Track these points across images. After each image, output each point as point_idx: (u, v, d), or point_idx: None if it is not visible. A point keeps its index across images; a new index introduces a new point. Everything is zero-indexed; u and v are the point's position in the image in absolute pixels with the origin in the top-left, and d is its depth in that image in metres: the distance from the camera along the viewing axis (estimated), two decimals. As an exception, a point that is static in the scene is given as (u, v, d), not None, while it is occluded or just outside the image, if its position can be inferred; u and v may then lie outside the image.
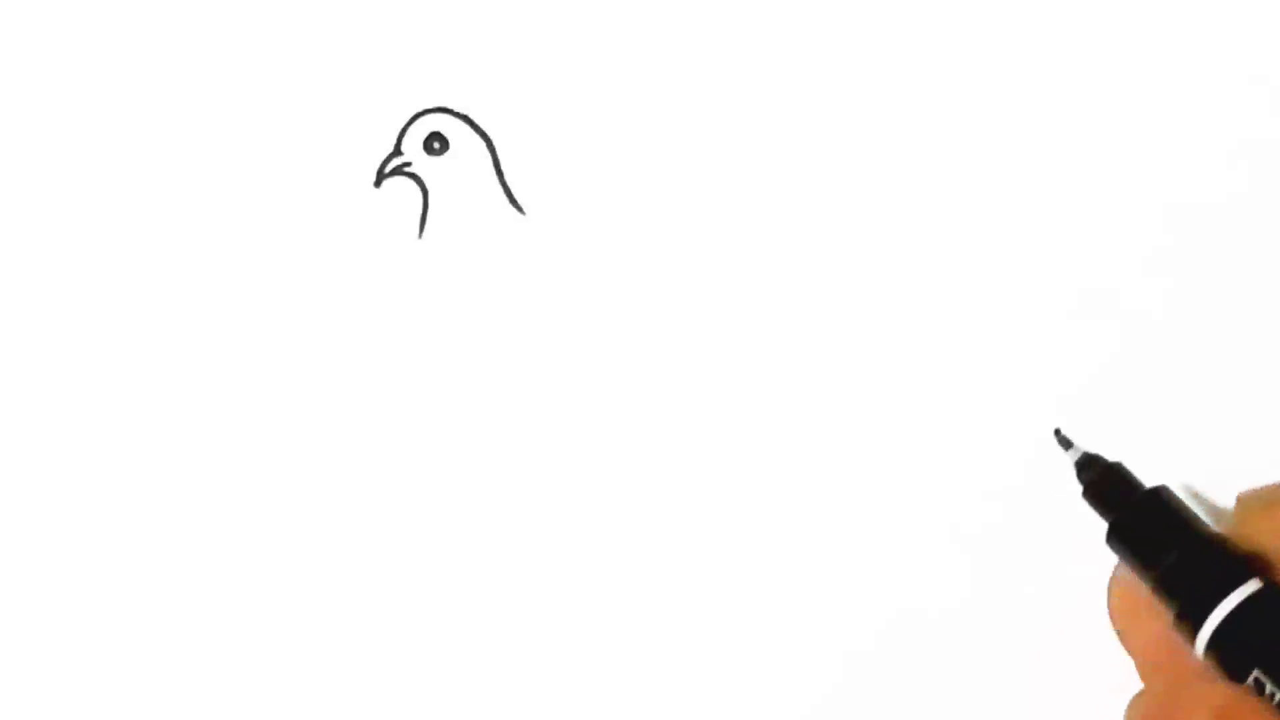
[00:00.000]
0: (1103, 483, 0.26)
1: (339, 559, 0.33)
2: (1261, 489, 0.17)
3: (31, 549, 0.33)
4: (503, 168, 0.34)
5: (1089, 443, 0.27)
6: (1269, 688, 0.21)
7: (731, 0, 0.34)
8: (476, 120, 0.34)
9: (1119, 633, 0.21)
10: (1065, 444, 0.27)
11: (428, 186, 0.34)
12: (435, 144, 0.34)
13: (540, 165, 0.34)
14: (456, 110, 0.34)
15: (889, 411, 0.33)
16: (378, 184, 0.34)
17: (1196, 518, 0.25)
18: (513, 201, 0.34)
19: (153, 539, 0.32)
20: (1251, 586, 0.22)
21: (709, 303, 0.33)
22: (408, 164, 0.34)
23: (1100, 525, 0.26)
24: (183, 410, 0.33)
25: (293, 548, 0.33)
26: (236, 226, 0.33)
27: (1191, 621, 0.23)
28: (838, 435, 0.33)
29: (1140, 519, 0.25)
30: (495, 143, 0.34)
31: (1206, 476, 0.29)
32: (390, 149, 0.34)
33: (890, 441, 0.32)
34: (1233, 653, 0.22)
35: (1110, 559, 0.26)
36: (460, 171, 0.34)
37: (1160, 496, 0.25)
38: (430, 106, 0.34)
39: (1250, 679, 0.22)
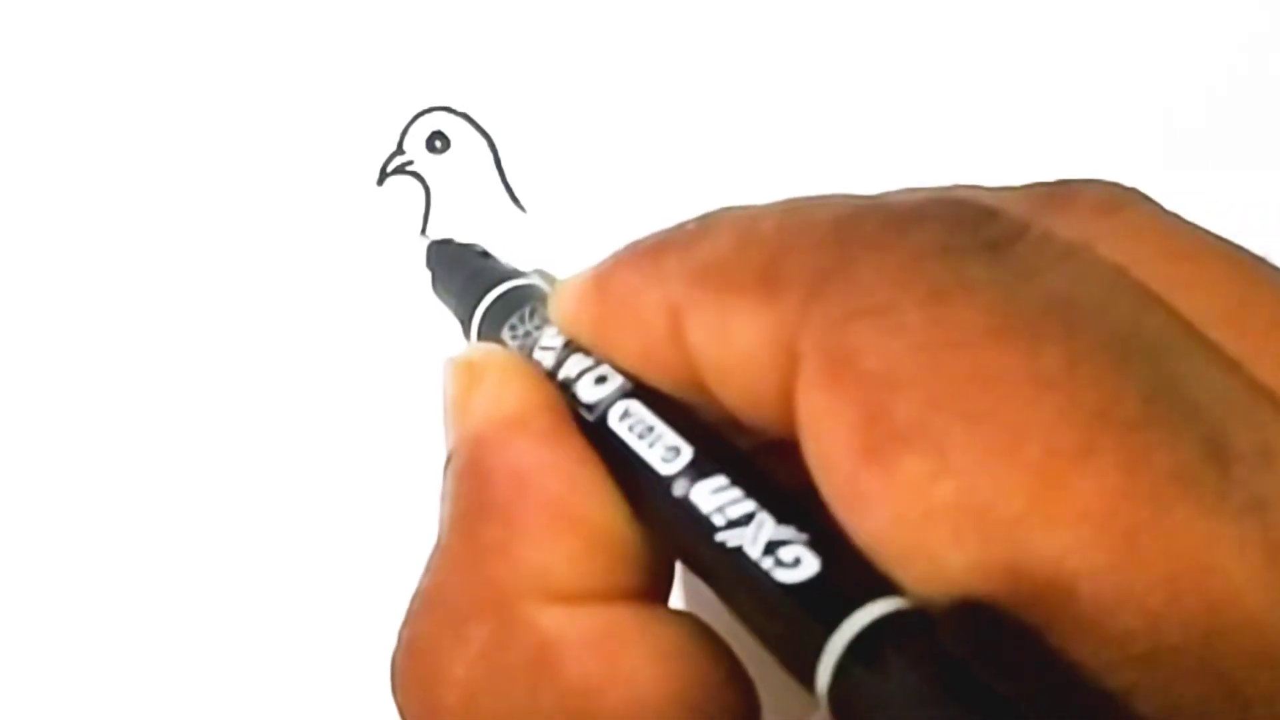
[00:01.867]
0: (437, 249, 0.30)
1: (340, 555, 0.33)
2: (567, 280, 0.18)
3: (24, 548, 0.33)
4: (504, 166, 0.34)
5: None
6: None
7: (731, 0, 0.34)
8: (477, 119, 0.34)
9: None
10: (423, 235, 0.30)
11: (430, 184, 0.34)
12: (437, 142, 0.34)
13: (541, 163, 0.34)
14: (457, 109, 0.34)
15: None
16: (380, 182, 0.34)
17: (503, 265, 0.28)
18: (514, 199, 0.34)
19: (152, 537, 0.33)
20: (524, 281, 0.25)
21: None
22: (410, 162, 0.34)
23: None
24: (184, 409, 0.34)
25: (293, 544, 0.33)
26: (240, 226, 0.34)
27: (471, 306, 0.25)
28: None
29: (455, 267, 0.29)
30: (496, 141, 0.34)
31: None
32: (393, 148, 0.34)
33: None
34: (492, 324, 0.24)
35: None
36: (462, 170, 0.34)
37: (474, 249, 0.29)
38: (432, 105, 0.34)
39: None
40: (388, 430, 0.33)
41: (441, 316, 0.34)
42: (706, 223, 0.17)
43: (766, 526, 0.15)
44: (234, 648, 0.33)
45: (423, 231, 0.34)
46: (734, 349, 0.16)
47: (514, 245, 0.34)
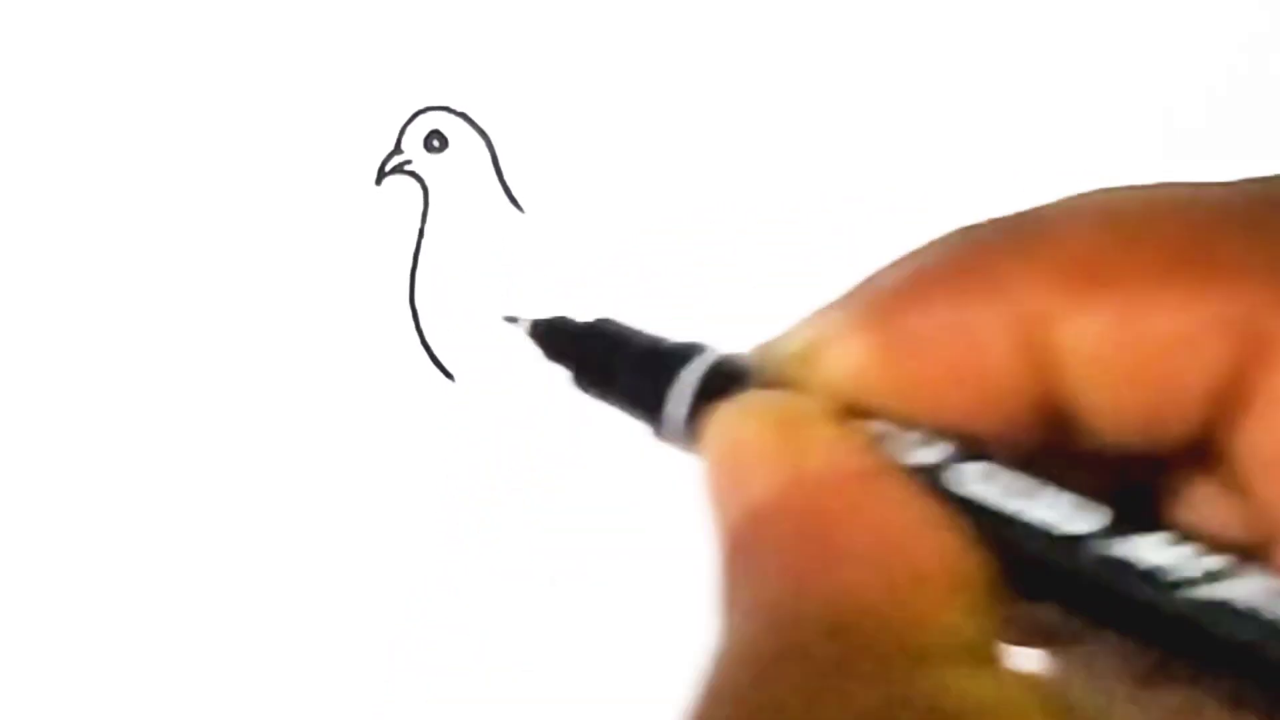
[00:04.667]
0: (555, 335, 0.23)
1: (346, 555, 0.33)
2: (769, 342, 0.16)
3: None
4: (501, 165, 0.34)
5: None
6: None
7: (730, 1, 0.34)
8: (475, 118, 0.34)
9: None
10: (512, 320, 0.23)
11: (428, 184, 0.34)
12: (435, 142, 0.34)
13: (538, 163, 0.34)
14: (456, 108, 0.34)
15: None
16: (378, 182, 0.34)
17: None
18: (511, 199, 0.34)
19: (155, 537, 0.33)
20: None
21: (707, 299, 0.34)
22: (408, 162, 0.34)
23: None
24: (183, 407, 0.34)
25: (298, 545, 0.33)
26: (241, 224, 0.34)
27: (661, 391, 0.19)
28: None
29: (592, 351, 0.22)
30: (494, 141, 0.34)
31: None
32: (391, 147, 0.34)
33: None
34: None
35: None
36: (460, 169, 0.34)
37: (607, 325, 0.22)
38: (430, 104, 0.34)
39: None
40: (385, 427, 0.33)
41: (440, 318, 0.34)
42: (1035, 224, 0.15)
43: (1240, 573, 0.14)
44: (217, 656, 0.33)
45: (420, 231, 0.34)
46: (1144, 345, 0.14)
47: (512, 244, 0.34)
